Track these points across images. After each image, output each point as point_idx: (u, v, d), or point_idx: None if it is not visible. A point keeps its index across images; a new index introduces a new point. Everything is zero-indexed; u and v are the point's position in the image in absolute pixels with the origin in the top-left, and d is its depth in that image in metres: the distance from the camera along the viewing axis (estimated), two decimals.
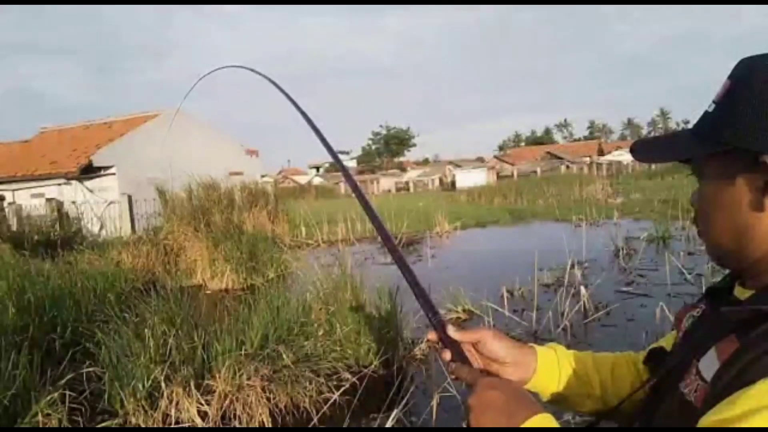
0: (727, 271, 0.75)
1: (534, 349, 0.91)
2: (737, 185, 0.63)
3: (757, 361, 0.52)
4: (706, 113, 0.68)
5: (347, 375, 4.29)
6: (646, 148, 0.75)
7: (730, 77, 0.66)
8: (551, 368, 0.90)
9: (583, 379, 0.90)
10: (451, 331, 0.85)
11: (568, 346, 0.99)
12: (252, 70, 1.52)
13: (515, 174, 42.64)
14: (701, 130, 0.67)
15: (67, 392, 3.71)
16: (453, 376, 0.82)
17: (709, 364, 0.59)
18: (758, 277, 0.65)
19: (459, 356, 0.83)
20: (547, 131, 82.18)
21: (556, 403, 0.91)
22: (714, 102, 0.67)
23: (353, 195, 1.02)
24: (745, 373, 0.52)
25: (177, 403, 3.76)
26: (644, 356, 0.86)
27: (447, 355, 0.84)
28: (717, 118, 0.65)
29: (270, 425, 3.83)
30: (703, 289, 0.83)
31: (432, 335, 0.87)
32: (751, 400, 0.49)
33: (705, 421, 0.52)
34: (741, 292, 0.68)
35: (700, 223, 0.70)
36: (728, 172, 0.64)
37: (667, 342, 0.85)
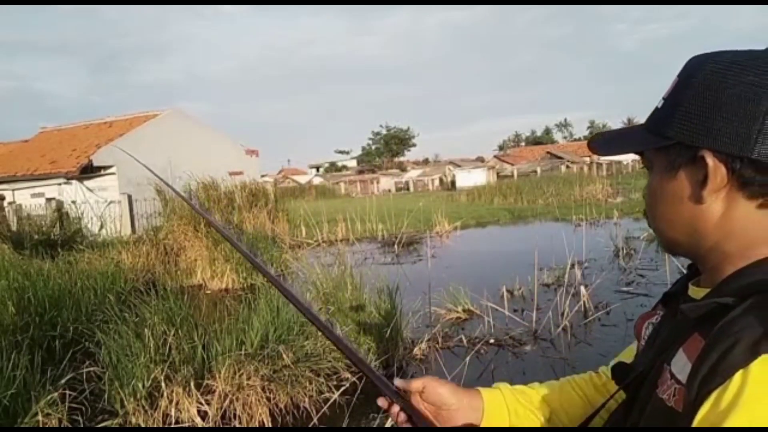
0: (679, 275, 0.77)
1: (479, 392, 0.91)
2: (679, 179, 0.65)
3: (727, 354, 0.52)
4: (656, 109, 0.70)
5: (347, 375, 4.29)
6: (603, 142, 0.77)
7: (678, 74, 0.68)
8: (499, 409, 0.90)
9: (533, 414, 0.91)
10: (398, 382, 0.89)
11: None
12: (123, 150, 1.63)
13: (515, 174, 42.61)
14: (651, 125, 0.69)
15: (67, 392, 3.71)
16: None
17: (682, 366, 0.58)
18: (710, 273, 0.66)
19: (410, 410, 0.85)
20: (547, 131, 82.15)
21: None
22: (663, 98, 0.69)
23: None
24: (717, 370, 0.52)
25: (177, 403, 3.76)
26: (609, 373, 0.86)
27: (395, 410, 0.86)
28: (663, 114, 0.67)
29: (270, 425, 3.83)
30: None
31: (382, 401, 0.89)
32: (730, 395, 0.50)
33: (694, 424, 0.52)
34: (695, 292, 0.69)
35: (648, 214, 0.72)
36: (672, 165, 0.66)
37: (626, 356, 0.87)
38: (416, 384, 0.88)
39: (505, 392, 0.92)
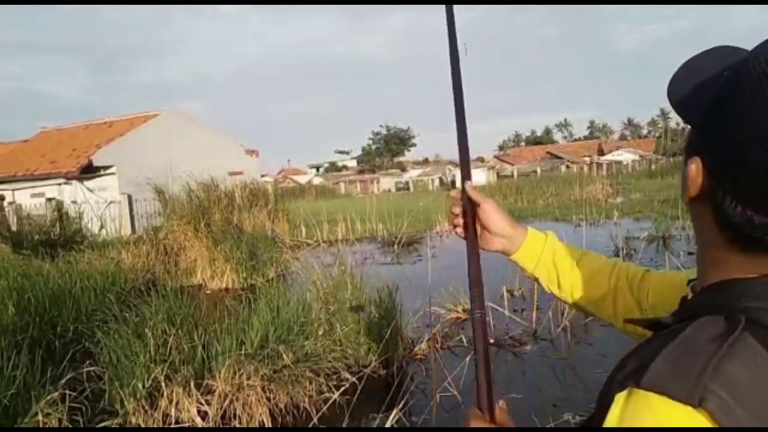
0: None
1: (526, 231, 0.98)
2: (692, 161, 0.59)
3: (611, 380, 0.49)
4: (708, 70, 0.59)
5: (347, 375, 4.29)
6: (684, 84, 0.59)
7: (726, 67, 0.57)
8: (531, 254, 0.98)
9: (554, 273, 0.97)
10: (469, 187, 0.95)
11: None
12: None
13: (515, 174, 42.62)
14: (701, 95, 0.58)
15: (67, 392, 3.71)
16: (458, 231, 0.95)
17: None
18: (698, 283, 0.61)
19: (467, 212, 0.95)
20: (547, 131, 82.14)
21: (534, 279, 1.01)
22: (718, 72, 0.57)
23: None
24: (601, 393, 0.50)
25: (177, 403, 3.76)
26: (655, 281, 0.89)
27: (456, 210, 0.96)
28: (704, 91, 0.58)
29: (270, 425, 3.83)
30: None
31: (454, 193, 0.97)
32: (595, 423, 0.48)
33: None
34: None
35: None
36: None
37: None
38: (480, 198, 0.95)
39: (546, 245, 0.98)
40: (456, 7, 0.98)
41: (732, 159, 0.50)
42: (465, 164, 0.97)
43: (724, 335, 0.45)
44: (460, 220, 0.96)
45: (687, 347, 0.46)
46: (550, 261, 0.98)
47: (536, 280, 1.00)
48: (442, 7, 1.01)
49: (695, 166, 0.54)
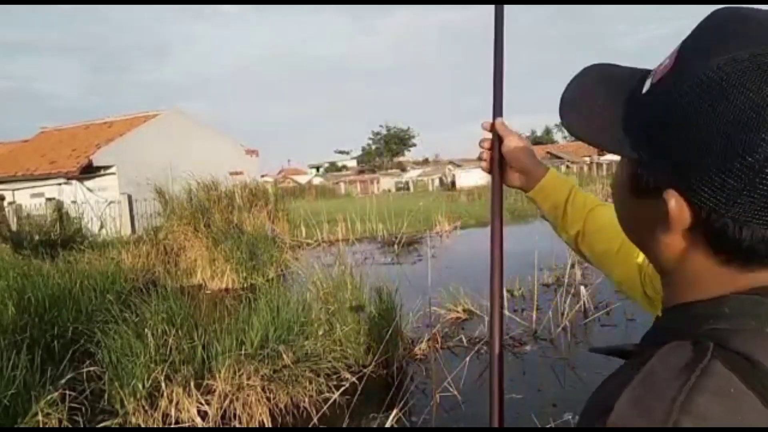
0: None
1: (547, 171, 0.99)
2: (643, 198, 0.52)
3: (589, 405, 0.46)
4: (638, 90, 0.50)
5: (347, 375, 4.29)
6: (570, 108, 0.55)
7: (680, 48, 0.48)
8: (549, 194, 0.98)
9: (565, 220, 0.98)
10: (499, 123, 0.95)
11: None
12: None
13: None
14: (627, 121, 0.51)
15: (67, 392, 3.71)
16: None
17: None
18: (670, 297, 0.53)
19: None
20: (547, 131, 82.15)
21: (545, 216, 1.03)
22: (651, 81, 0.49)
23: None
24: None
25: (177, 403, 3.76)
26: None
27: (486, 143, 0.97)
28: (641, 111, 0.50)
29: (270, 425, 3.83)
30: None
31: (485, 125, 0.97)
32: None
33: None
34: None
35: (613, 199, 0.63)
36: (638, 182, 0.52)
37: None
38: (504, 132, 0.95)
39: (567, 187, 0.98)
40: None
41: (726, 177, 0.42)
42: (498, 100, 0.97)
43: (690, 365, 0.41)
44: (486, 154, 0.97)
45: (651, 382, 0.42)
46: (562, 204, 0.98)
47: (548, 217, 1.02)
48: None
49: (675, 202, 0.45)
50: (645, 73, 0.51)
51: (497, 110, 0.96)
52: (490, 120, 0.97)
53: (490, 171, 0.96)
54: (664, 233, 0.48)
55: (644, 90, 0.49)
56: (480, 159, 0.99)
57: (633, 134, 0.49)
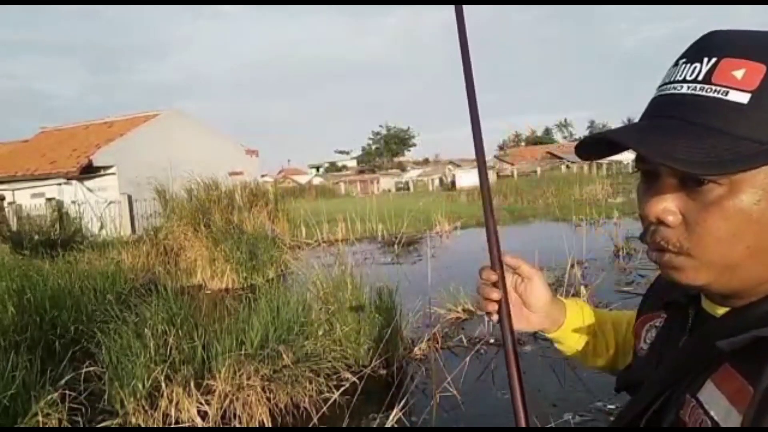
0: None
1: (563, 305, 0.91)
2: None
3: None
4: (735, 105, 0.53)
5: (347, 375, 4.29)
6: (649, 139, 0.55)
7: (759, 59, 0.53)
8: (577, 327, 0.91)
9: (601, 340, 0.92)
10: (511, 259, 0.85)
11: None
12: None
13: (515, 174, 42.64)
14: (733, 127, 0.52)
15: (67, 392, 3.71)
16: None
17: (723, 410, 0.53)
18: (737, 297, 0.58)
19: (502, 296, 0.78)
20: (547, 131, 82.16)
21: (573, 357, 0.95)
22: (744, 90, 0.52)
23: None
24: None
25: (177, 403, 3.76)
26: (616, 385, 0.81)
27: (495, 295, 0.79)
28: (755, 114, 0.52)
29: (270, 425, 3.83)
30: None
31: (487, 272, 0.81)
32: None
33: None
34: (712, 308, 0.62)
35: (718, 242, 0.55)
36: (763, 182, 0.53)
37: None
38: (526, 269, 0.85)
39: (585, 312, 0.93)
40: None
41: None
42: (473, 101, 0.79)
43: None
44: (490, 306, 0.80)
45: None
46: (592, 330, 0.92)
47: (570, 352, 0.94)
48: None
49: None
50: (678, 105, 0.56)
51: (474, 114, 0.81)
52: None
53: (494, 315, 0.80)
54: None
55: (745, 101, 0.52)
56: (489, 314, 0.81)
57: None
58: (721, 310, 0.61)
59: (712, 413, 0.53)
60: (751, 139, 0.52)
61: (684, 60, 0.58)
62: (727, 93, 0.53)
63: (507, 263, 0.83)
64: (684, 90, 0.55)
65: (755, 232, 0.54)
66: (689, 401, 0.56)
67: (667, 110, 0.57)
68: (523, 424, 0.70)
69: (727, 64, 0.53)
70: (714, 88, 0.53)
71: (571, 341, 0.92)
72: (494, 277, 0.79)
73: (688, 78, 0.56)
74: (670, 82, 0.58)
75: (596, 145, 0.62)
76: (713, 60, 0.54)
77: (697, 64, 0.55)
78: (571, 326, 0.90)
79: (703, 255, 0.56)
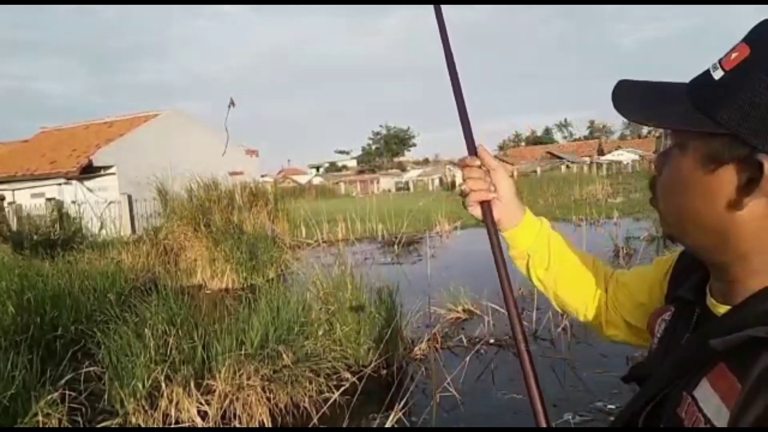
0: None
1: (524, 212, 0.96)
2: (719, 174, 0.56)
3: None
4: (709, 78, 0.58)
5: (347, 375, 4.29)
6: (635, 99, 0.65)
7: (748, 42, 0.56)
8: (532, 230, 0.95)
9: (546, 255, 0.96)
10: (482, 150, 0.91)
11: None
12: None
13: (515, 174, 42.61)
14: (699, 100, 0.58)
15: (67, 392, 3.71)
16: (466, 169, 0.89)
17: (714, 407, 0.54)
18: (729, 286, 0.60)
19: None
20: (547, 131, 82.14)
21: (516, 259, 0.98)
22: (722, 68, 0.57)
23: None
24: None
25: (177, 403, 3.76)
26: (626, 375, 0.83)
27: (475, 174, 0.89)
28: (720, 93, 0.56)
29: (270, 425, 3.83)
30: None
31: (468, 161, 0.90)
32: None
33: None
34: (715, 306, 0.63)
35: (665, 201, 0.64)
36: (714, 157, 0.56)
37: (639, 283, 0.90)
38: (491, 161, 0.91)
39: (543, 226, 0.97)
40: (454, 7, 0.96)
41: None
42: (460, 101, 0.89)
43: None
44: (477, 186, 0.88)
45: None
46: (545, 242, 0.96)
47: (521, 259, 0.97)
48: (444, 7, 0.99)
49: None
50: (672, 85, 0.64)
51: (463, 114, 0.88)
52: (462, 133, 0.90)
53: (476, 208, 0.89)
54: (750, 198, 0.54)
55: (717, 77, 0.57)
56: (463, 195, 0.90)
57: (720, 114, 0.56)
58: (722, 309, 0.62)
59: (705, 411, 0.55)
60: (704, 110, 0.57)
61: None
62: (715, 70, 0.58)
63: (479, 152, 0.90)
64: (717, 75, 0.59)
65: (685, 196, 0.60)
66: (686, 398, 0.57)
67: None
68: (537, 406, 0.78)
69: (740, 47, 0.57)
70: (717, 66, 0.59)
71: (523, 241, 0.95)
72: (478, 163, 0.89)
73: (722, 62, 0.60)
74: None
75: (629, 101, 0.67)
76: (738, 44, 0.58)
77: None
78: (527, 227, 0.94)
79: (659, 203, 0.66)
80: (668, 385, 0.61)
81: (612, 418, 0.78)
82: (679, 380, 0.60)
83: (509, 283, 0.81)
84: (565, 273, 0.96)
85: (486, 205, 0.87)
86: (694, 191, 0.59)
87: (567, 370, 4.50)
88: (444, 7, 0.90)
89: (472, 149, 0.89)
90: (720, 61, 0.58)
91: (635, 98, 0.65)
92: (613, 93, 0.66)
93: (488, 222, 0.86)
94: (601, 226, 12.18)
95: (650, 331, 0.77)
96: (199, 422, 3.75)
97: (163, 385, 3.78)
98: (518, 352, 0.75)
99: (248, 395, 3.86)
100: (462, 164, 0.90)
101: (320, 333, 4.60)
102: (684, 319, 0.68)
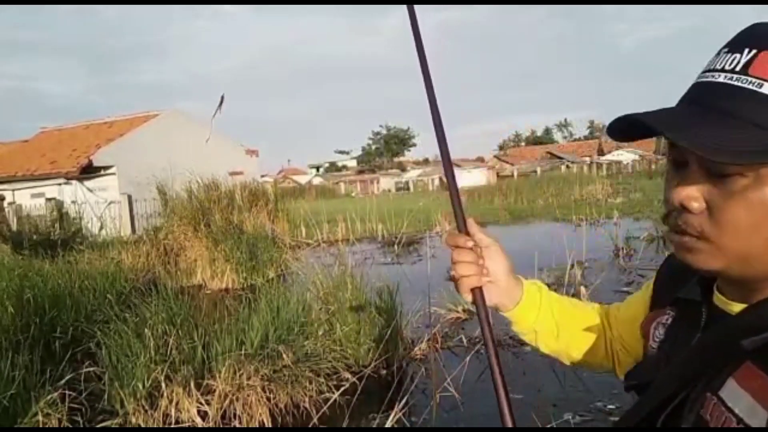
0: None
1: (522, 282, 0.89)
2: None
3: None
4: (756, 95, 0.54)
5: (347, 375, 4.29)
6: (679, 126, 0.56)
7: (758, 47, 0.55)
8: (533, 307, 0.90)
9: (554, 324, 0.91)
10: (472, 224, 0.82)
11: None
12: None
13: (515, 174, 42.65)
14: (764, 120, 0.53)
15: (67, 392, 3.71)
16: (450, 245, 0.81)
17: (737, 399, 0.54)
18: (751, 287, 0.59)
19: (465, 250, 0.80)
20: (547, 131, 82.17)
21: (523, 335, 0.93)
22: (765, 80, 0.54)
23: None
24: None
25: (177, 403, 3.76)
26: (624, 384, 0.80)
27: (466, 257, 0.80)
28: None
29: (270, 425, 3.83)
30: None
31: (452, 237, 0.82)
32: None
33: None
34: (724, 303, 0.63)
35: (741, 232, 0.56)
36: None
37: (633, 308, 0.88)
38: (484, 238, 0.83)
39: (543, 294, 0.91)
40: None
41: None
42: (434, 105, 0.80)
43: None
44: (469, 271, 0.79)
45: None
46: (549, 314, 0.91)
47: (529, 335, 0.92)
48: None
49: None
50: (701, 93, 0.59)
51: (460, 221, 0.80)
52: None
53: (469, 294, 0.79)
54: None
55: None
56: (453, 280, 0.81)
57: None
58: (736, 307, 0.61)
59: (736, 410, 0.54)
60: (761, 125, 0.53)
61: (726, 50, 0.58)
62: (761, 85, 0.54)
63: (468, 227, 0.81)
64: (721, 79, 0.57)
65: (761, 223, 0.55)
66: (710, 399, 0.56)
67: (702, 98, 0.58)
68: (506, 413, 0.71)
69: (765, 56, 0.54)
70: (749, 79, 0.54)
71: (528, 317, 0.89)
72: (470, 243, 0.80)
73: (726, 68, 0.57)
74: (710, 71, 0.59)
75: (629, 128, 0.62)
76: (753, 52, 0.55)
77: (737, 55, 0.56)
78: (529, 303, 0.89)
79: (721, 242, 0.57)
80: (684, 386, 0.60)
81: (612, 418, 0.77)
82: (698, 381, 0.59)
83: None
84: (575, 336, 0.93)
85: (478, 292, 0.78)
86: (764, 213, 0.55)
87: (567, 370, 4.50)
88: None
89: (462, 225, 0.80)
90: (757, 76, 0.54)
91: (675, 123, 0.57)
92: (651, 126, 0.57)
93: (480, 311, 0.77)
94: (601, 226, 12.18)
95: (645, 336, 0.76)
96: (199, 422, 3.75)
97: (163, 385, 3.78)
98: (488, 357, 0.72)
99: (248, 395, 3.86)
100: (451, 244, 0.81)
101: (320, 333, 4.60)
102: (689, 320, 0.67)
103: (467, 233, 0.81)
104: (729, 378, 0.55)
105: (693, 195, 0.58)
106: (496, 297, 0.85)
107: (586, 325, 0.93)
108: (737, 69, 0.55)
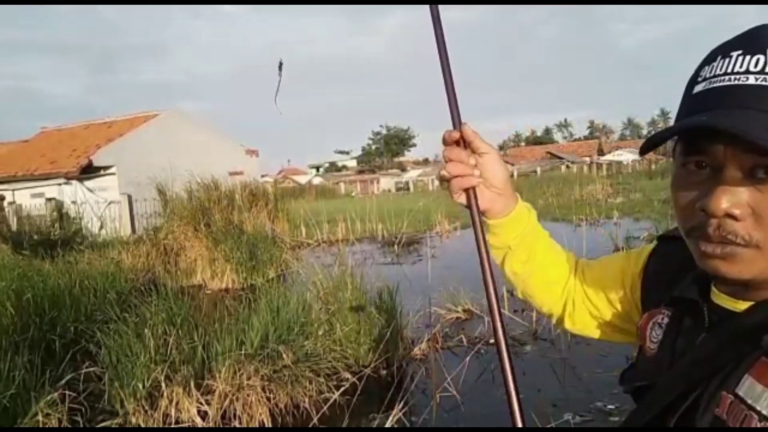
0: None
1: (517, 197, 0.88)
2: None
3: None
4: None
5: (347, 375, 4.29)
6: (729, 124, 0.54)
7: None
8: (519, 224, 0.88)
9: (529, 249, 0.91)
10: (468, 129, 0.79)
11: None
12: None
13: (515, 174, 42.62)
14: None
15: (67, 392, 3.71)
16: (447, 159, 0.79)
17: (758, 396, 0.53)
18: (756, 285, 0.59)
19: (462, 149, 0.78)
20: (547, 131, 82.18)
21: (494, 248, 0.90)
22: None
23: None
24: None
25: (177, 403, 3.76)
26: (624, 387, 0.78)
27: (458, 155, 0.78)
28: None
29: (270, 425, 3.83)
30: None
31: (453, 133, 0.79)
32: None
33: None
34: (727, 301, 0.63)
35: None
36: None
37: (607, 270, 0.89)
38: (482, 144, 0.79)
39: (531, 216, 0.91)
40: (457, 7, 0.93)
41: None
42: (454, 105, 0.78)
43: None
44: (457, 171, 0.77)
45: None
46: (531, 238, 0.90)
47: (500, 250, 0.90)
48: (443, 8, 0.97)
49: None
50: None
51: (455, 119, 0.78)
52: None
53: (461, 195, 0.78)
54: None
55: None
56: (443, 180, 0.79)
57: None
58: (742, 305, 0.61)
59: (758, 408, 0.53)
60: None
61: (740, 52, 0.58)
62: None
63: (464, 132, 0.78)
64: (751, 81, 0.56)
65: None
66: (726, 398, 0.56)
67: (731, 100, 0.57)
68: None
69: None
70: None
71: (508, 235, 0.88)
72: (456, 135, 0.77)
73: (752, 69, 0.56)
74: (728, 73, 0.58)
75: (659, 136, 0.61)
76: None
77: (760, 56, 0.56)
78: (516, 219, 0.87)
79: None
80: (695, 386, 0.59)
81: (612, 418, 0.77)
82: (710, 380, 0.58)
83: (494, 282, 0.77)
84: (541, 268, 0.93)
85: (472, 192, 0.77)
86: None
87: (567, 370, 4.50)
88: (445, 8, 0.88)
89: (457, 122, 0.77)
90: None
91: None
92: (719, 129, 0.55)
93: (473, 212, 0.76)
94: (601, 226, 12.19)
95: (642, 336, 0.75)
96: (199, 422, 3.75)
97: (163, 385, 3.78)
98: (498, 352, 0.73)
99: (248, 395, 3.86)
100: (446, 139, 0.79)
101: (320, 333, 4.60)
102: (690, 320, 0.67)
103: (462, 134, 0.78)
104: (745, 375, 0.55)
105: (738, 201, 0.55)
106: (488, 201, 0.83)
107: (555, 263, 0.93)
108: (767, 69, 0.55)
